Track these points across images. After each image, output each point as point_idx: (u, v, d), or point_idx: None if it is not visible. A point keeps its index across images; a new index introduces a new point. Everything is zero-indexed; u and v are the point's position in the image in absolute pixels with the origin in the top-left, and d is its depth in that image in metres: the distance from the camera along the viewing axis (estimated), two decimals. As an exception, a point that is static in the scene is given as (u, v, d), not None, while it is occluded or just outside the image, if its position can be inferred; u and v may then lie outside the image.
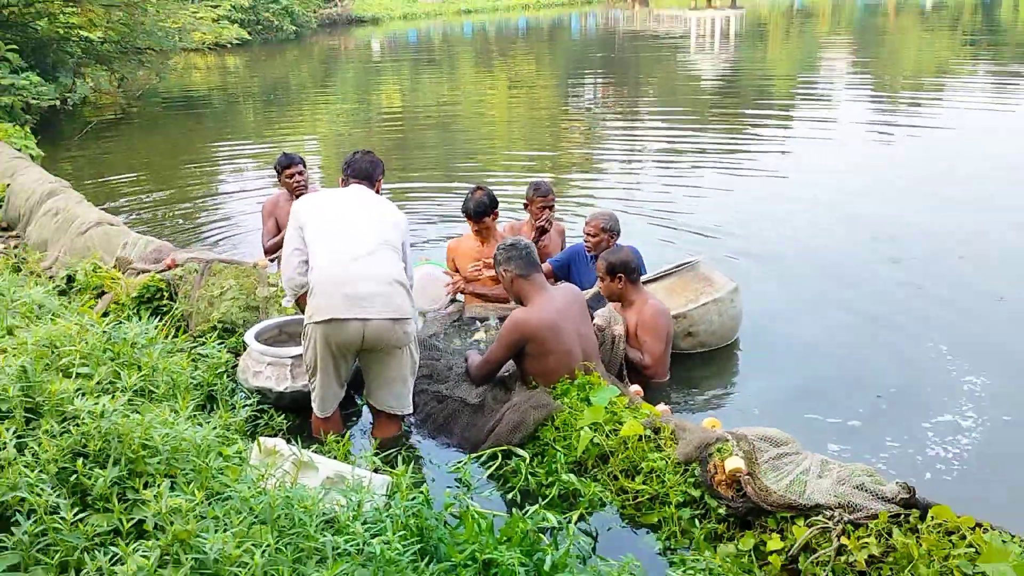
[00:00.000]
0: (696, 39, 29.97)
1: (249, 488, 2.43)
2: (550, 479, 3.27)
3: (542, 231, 5.09)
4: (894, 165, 9.47)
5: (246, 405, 3.59)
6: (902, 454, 3.62)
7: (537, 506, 2.70)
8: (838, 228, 6.99)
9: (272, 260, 5.40)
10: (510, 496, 3.27)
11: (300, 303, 3.72)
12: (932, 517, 2.64)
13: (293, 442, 2.94)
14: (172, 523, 2.16)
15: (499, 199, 5.04)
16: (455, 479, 3.22)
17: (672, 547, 2.97)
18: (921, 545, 2.55)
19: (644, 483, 3.15)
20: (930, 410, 4.00)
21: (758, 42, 28.71)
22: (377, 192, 3.91)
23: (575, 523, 2.80)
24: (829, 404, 4.11)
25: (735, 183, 8.71)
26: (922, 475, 3.47)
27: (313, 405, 3.62)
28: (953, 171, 8.96)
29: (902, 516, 2.70)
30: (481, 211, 4.80)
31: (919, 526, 2.64)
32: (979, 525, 2.57)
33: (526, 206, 5.22)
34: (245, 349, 4.05)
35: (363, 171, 3.91)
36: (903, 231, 6.85)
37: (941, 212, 7.42)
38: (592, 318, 4.13)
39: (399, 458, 2.96)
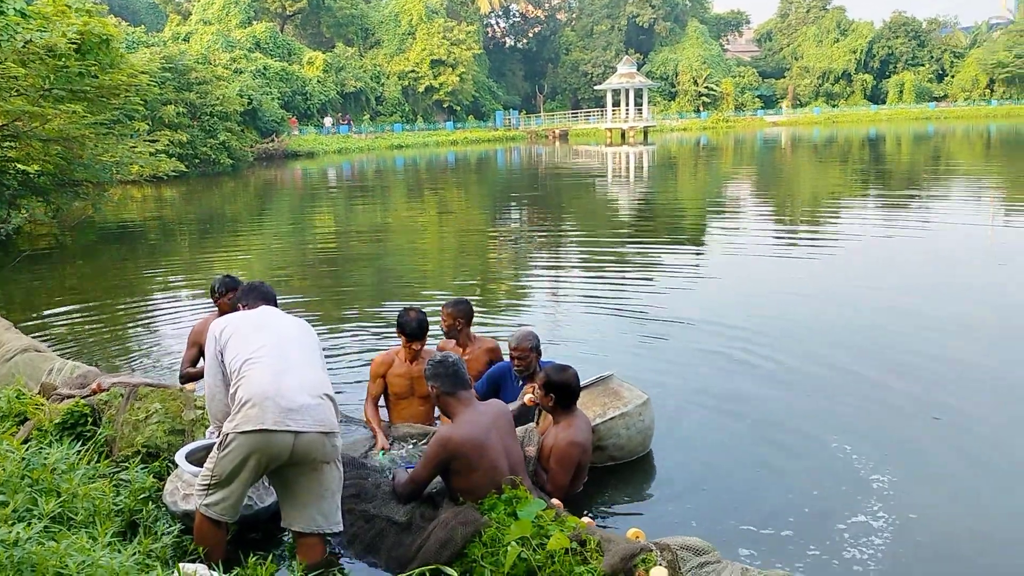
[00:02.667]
0: (612, 172, 31.50)
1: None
2: (478, 596, 3.26)
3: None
4: (798, 279, 10.14)
5: (168, 532, 3.50)
6: (818, 558, 3.73)
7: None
8: (749, 341, 7.30)
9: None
10: (439, 616, 3.24)
11: None
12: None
13: (215, 568, 2.89)
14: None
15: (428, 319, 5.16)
16: (383, 601, 3.18)
17: (601, 660, 2.97)
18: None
19: (572, 596, 3.17)
20: (843, 512, 4.15)
21: (669, 174, 30.33)
22: None
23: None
24: (747, 511, 4.22)
25: (653, 301, 9.08)
26: (841, 577, 3.58)
27: (212, 511, 3.36)
28: (851, 283, 9.69)
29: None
30: (422, 331, 4.88)
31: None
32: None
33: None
34: (170, 472, 3.96)
35: (269, 294, 4.00)
36: (804, 341, 7.26)
37: (836, 321, 8.01)
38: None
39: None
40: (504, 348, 5.25)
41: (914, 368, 6.44)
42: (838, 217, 16.37)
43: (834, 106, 75.45)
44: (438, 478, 3.85)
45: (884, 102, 75.41)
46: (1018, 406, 5.64)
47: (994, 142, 39.89)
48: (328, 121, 55.86)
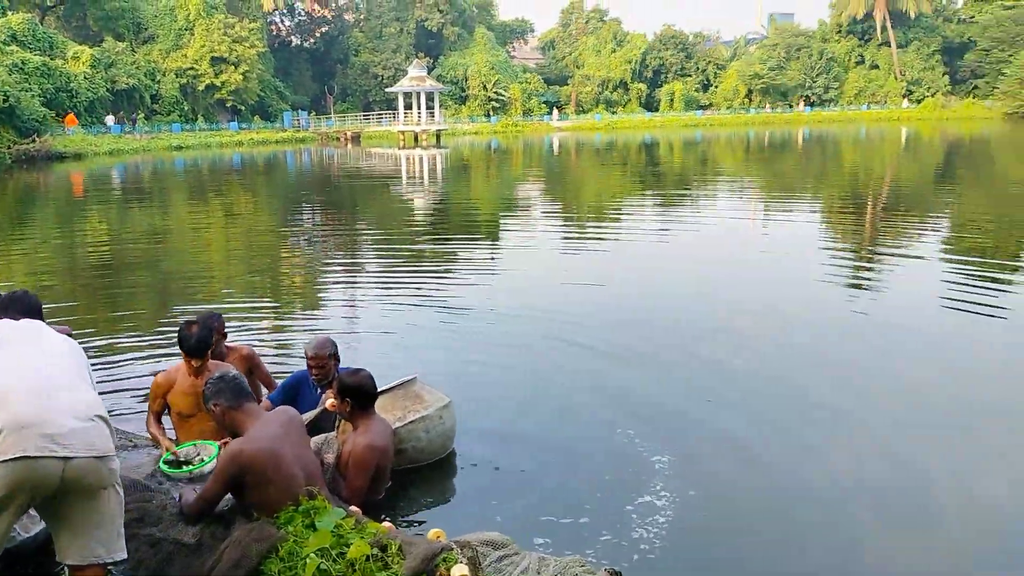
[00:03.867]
0: (407, 174, 31.49)
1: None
2: (277, 613, 3.14)
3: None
4: (588, 272, 10.69)
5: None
6: (609, 541, 3.93)
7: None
8: (544, 335, 7.58)
9: None
10: (234, 639, 3.08)
11: None
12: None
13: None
14: None
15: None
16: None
17: (406, 663, 2.96)
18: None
19: (375, 603, 3.13)
20: (630, 494, 4.40)
21: (463, 176, 30.80)
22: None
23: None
24: (546, 501, 4.37)
25: (454, 300, 9.20)
26: (630, 557, 3.78)
27: None
28: (632, 275, 10.38)
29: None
30: (204, 346, 4.60)
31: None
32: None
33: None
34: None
35: (32, 305, 3.63)
36: (591, 332, 7.60)
37: (616, 313, 8.53)
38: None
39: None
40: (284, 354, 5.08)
41: (690, 353, 6.96)
42: (621, 214, 17.41)
43: (613, 112, 79.79)
44: (229, 495, 3.66)
45: (658, 109, 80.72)
46: (782, 385, 6.25)
47: (752, 147, 43.94)
48: (111, 120, 51.64)
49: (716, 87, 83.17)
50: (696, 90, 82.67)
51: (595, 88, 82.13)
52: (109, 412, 4.62)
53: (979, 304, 8.43)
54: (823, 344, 7.38)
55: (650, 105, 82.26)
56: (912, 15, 78.04)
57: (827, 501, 4.43)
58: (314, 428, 4.53)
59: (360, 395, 4.26)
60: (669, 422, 5.48)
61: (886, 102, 78.84)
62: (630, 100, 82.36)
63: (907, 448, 5.02)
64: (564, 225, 16.39)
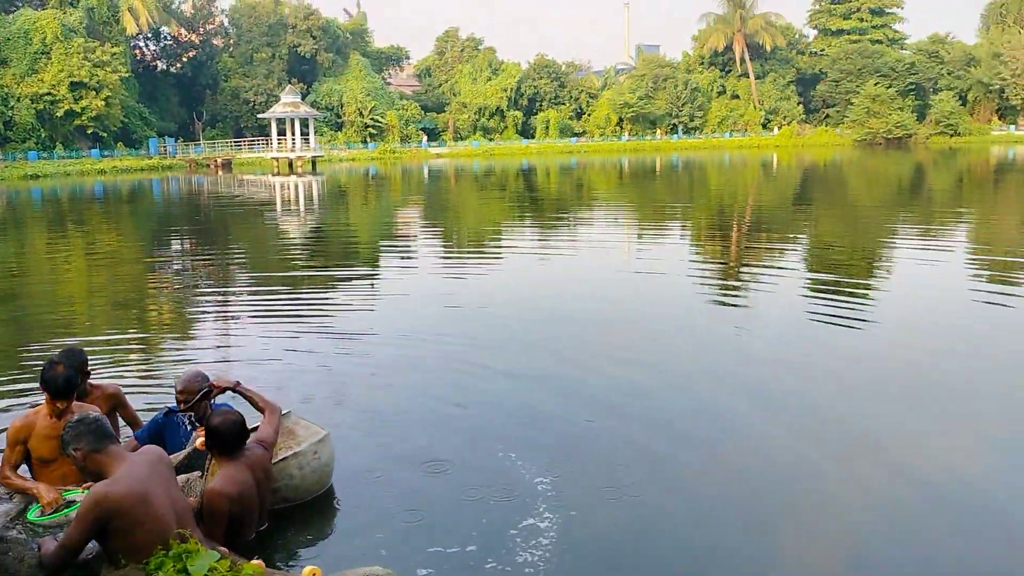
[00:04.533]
0: (282, 201, 30.80)
1: None
2: (147, 666, 2.99)
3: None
4: (467, 301, 10.60)
5: None
6: (495, 567, 3.94)
7: None
8: (424, 359, 7.57)
9: None
10: None
11: None
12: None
13: None
14: None
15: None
16: None
17: None
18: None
19: (252, 646, 3.03)
20: (515, 518, 4.43)
21: (340, 203, 30.40)
22: None
23: None
24: (432, 532, 4.33)
25: (333, 328, 9.05)
26: (515, 582, 3.81)
27: None
28: (511, 302, 10.37)
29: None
30: (71, 388, 4.33)
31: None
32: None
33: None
34: None
35: None
36: (470, 357, 7.60)
37: (496, 334, 8.55)
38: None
39: None
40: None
41: (570, 373, 7.09)
42: (501, 238, 17.58)
43: (490, 139, 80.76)
44: (94, 542, 3.46)
45: (534, 136, 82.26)
46: (661, 402, 6.43)
47: (625, 173, 45.40)
48: None
49: (589, 115, 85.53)
50: (570, 118, 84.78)
51: (472, 115, 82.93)
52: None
53: (836, 316, 9.01)
54: (696, 359, 7.69)
55: (526, 132, 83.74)
56: (768, 48, 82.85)
57: (709, 519, 4.59)
58: (186, 468, 4.35)
59: (218, 438, 4.07)
60: (551, 443, 5.55)
61: (747, 130, 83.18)
62: (506, 127, 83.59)
63: (782, 457, 5.29)
64: (445, 250, 16.45)
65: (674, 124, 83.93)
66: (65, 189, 40.13)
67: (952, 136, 75.30)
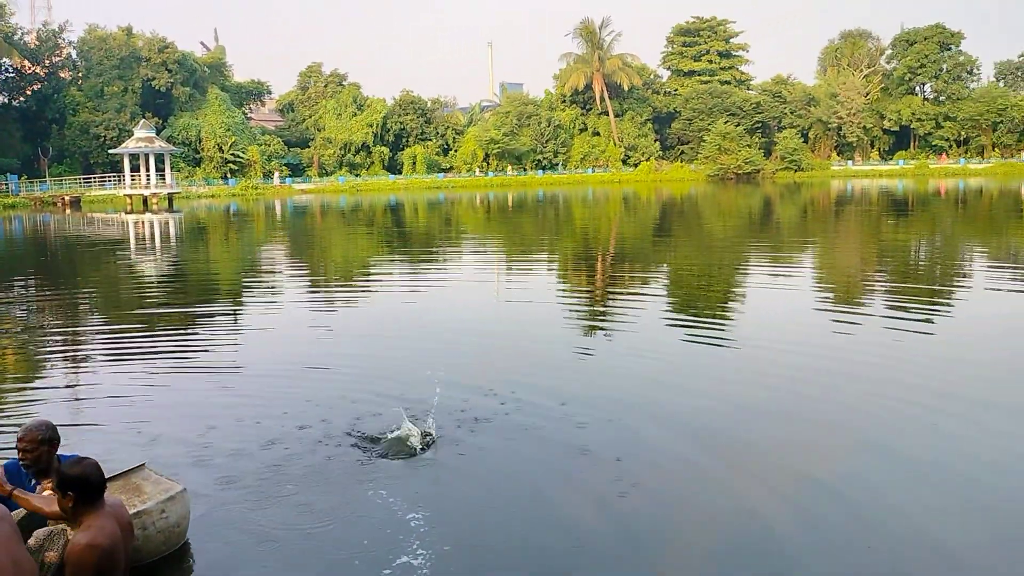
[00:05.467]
0: (136, 240, 29.38)
1: None
2: None
3: None
4: (334, 329, 10.41)
5: None
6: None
7: None
8: (288, 394, 7.38)
9: None
10: None
11: None
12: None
13: None
14: None
15: None
16: None
17: None
18: None
19: None
20: (388, 556, 4.36)
21: (200, 241, 29.28)
22: None
23: None
24: (298, 577, 4.19)
25: (195, 369, 8.68)
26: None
27: None
28: (381, 331, 10.24)
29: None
30: None
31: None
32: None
33: None
34: None
35: None
36: (335, 389, 7.47)
37: (363, 369, 8.36)
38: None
39: None
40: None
41: (444, 404, 7.02)
42: (368, 273, 17.41)
43: (357, 175, 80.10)
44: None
45: (401, 172, 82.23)
46: (534, 427, 6.47)
47: (492, 207, 46.00)
48: None
49: (455, 151, 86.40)
50: (437, 153, 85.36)
51: (337, 151, 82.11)
52: None
53: (707, 336, 9.41)
54: (565, 382, 7.80)
55: (393, 168, 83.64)
56: (625, 87, 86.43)
57: (575, 544, 4.65)
58: (26, 527, 4.02)
59: (84, 487, 3.76)
60: (418, 478, 5.51)
61: (608, 165, 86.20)
62: (373, 163, 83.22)
63: (650, 474, 5.42)
64: (310, 285, 16.11)
65: (539, 160, 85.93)
66: None
67: (796, 171, 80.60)
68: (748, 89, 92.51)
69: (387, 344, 10.03)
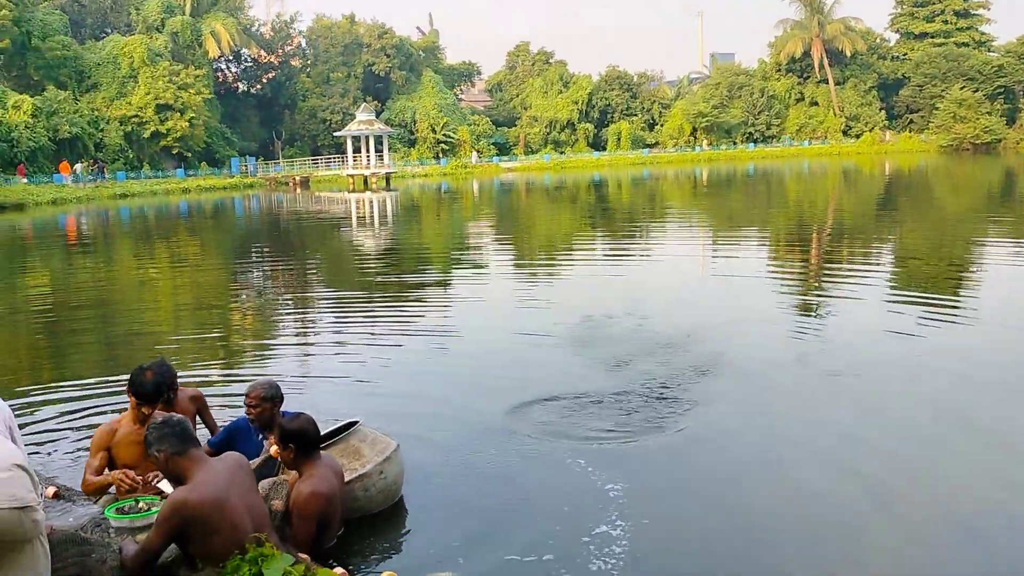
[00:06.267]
0: (357, 217, 31.36)
1: None
2: (223, 668, 2.99)
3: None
4: (543, 309, 10.55)
5: None
6: (571, 573, 3.86)
7: None
8: (496, 367, 7.59)
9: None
10: None
11: None
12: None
13: None
14: None
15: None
16: None
17: None
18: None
19: (326, 651, 3.01)
20: (587, 525, 4.34)
21: (414, 217, 30.78)
22: None
23: None
24: (499, 538, 4.29)
25: (406, 340, 9.13)
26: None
27: None
28: (584, 307, 10.19)
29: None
30: (160, 391, 4.42)
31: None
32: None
33: None
34: None
35: None
36: (543, 363, 7.54)
37: (573, 341, 8.39)
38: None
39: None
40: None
41: (649, 382, 6.91)
42: (572, 248, 17.47)
43: (562, 152, 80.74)
44: (173, 546, 3.51)
45: (605, 148, 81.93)
46: (745, 412, 6.23)
47: (700, 183, 44.77)
48: (79, 167, 51.05)
49: (661, 125, 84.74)
50: (642, 129, 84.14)
51: (543, 129, 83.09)
52: (50, 468, 4.47)
53: (924, 329, 8.64)
54: (780, 370, 7.43)
55: (597, 144, 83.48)
56: (848, 53, 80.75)
57: (790, 526, 4.43)
58: (259, 476, 4.39)
59: (303, 440, 4.12)
60: (622, 450, 5.45)
61: (827, 137, 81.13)
62: (578, 140, 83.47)
63: (866, 466, 5.05)
64: (517, 261, 16.44)
65: (750, 132, 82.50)
66: (152, 207, 41.71)
67: (1045, 141, 72.11)
68: (989, 51, 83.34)
69: (596, 316, 9.96)
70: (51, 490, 4.52)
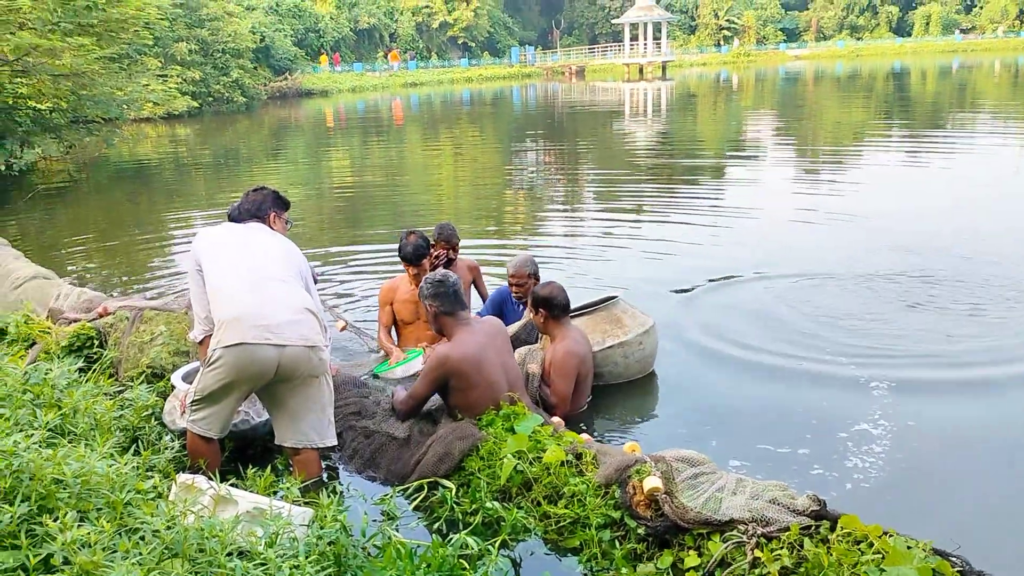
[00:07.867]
0: (630, 108, 30.97)
1: (162, 521, 2.39)
2: (474, 507, 3.27)
3: (434, 268, 4.99)
4: (817, 215, 9.84)
5: (169, 447, 3.54)
6: (820, 470, 3.73)
7: (461, 534, 2.72)
8: (759, 261, 7.35)
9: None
10: (435, 526, 3.26)
11: (205, 344, 3.53)
12: (841, 527, 2.71)
13: (213, 477, 2.91)
14: (79, 556, 2.12)
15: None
16: (380, 511, 3.21)
17: (593, 569, 2.98)
18: (831, 554, 2.61)
19: (566, 507, 3.18)
20: (846, 420, 4.18)
21: (688, 110, 29.79)
22: (271, 224, 3.78)
23: (498, 549, 2.81)
24: (745, 422, 4.28)
25: (671, 235, 9.01)
26: (842, 487, 3.57)
27: (198, 426, 3.37)
28: (868, 220, 9.34)
29: (813, 527, 2.76)
30: (420, 254, 4.81)
31: (829, 536, 2.71)
32: (886, 533, 2.65)
33: (433, 245, 5.13)
34: (172, 391, 3.99)
35: (249, 209, 3.78)
36: (815, 262, 7.25)
37: (856, 250, 7.79)
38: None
39: (323, 492, 2.93)
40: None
41: (934, 289, 6.33)
42: (861, 150, 16.01)
43: (859, 39, 73.47)
44: (436, 396, 3.86)
45: (910, 34, 73.35)
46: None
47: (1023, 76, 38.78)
48: (391, 57, 56.23)
49: (981, 8, 73.82)
50: (956, 12, 73.96)
51: (839, 13, 75.88)
52: (355, 322, 5.09)
53: None
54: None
55: (901, 30, 74.87)
56: None
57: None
58: (516, 342, 4.65)
59: (551, 305, 4.33)
60: (893, 351, 5.13)
61: None
62: (879, 25, 75.43)
63: None
64: (797, 161, 15.31)
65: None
66: (438, 96, 44.12)
67: None
68: None
69: (888, 224, 8.88)
70: (340, 324, 5.23)
